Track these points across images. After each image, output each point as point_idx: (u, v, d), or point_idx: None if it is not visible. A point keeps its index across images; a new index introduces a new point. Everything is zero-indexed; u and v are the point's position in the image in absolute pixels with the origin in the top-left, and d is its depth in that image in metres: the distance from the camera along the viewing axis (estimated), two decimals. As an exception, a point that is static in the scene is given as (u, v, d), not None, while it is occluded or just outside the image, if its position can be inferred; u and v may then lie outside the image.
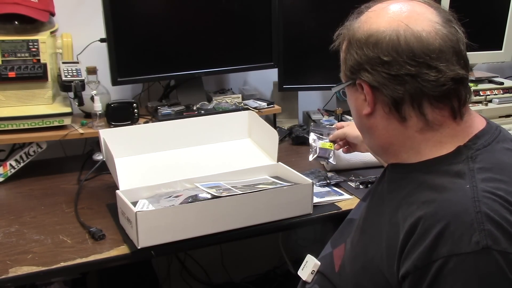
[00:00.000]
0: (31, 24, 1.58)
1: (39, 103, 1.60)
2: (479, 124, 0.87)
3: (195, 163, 1.45)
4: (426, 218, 0.76)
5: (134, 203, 1.23)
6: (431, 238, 0.74)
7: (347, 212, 1.29)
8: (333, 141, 1.53)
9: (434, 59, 0.80)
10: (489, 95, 1.99)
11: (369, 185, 1.49)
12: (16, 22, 1.56)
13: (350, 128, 1.45)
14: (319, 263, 0.99)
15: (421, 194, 0.80)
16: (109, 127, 1.65)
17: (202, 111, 1.79)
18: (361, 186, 1.48)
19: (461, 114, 0.84)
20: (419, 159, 0.86)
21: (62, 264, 1.13)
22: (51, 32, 1.61)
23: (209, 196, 1.24)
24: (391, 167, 0.93)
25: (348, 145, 1.49)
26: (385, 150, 0.91)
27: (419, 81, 0.81)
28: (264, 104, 1.87)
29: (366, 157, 1.58)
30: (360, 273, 0.87)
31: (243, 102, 1.90)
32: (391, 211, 0.85)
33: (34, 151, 1.61)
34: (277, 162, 1.45)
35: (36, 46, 1.55)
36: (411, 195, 0.82)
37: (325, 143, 1.55)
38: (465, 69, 0.83)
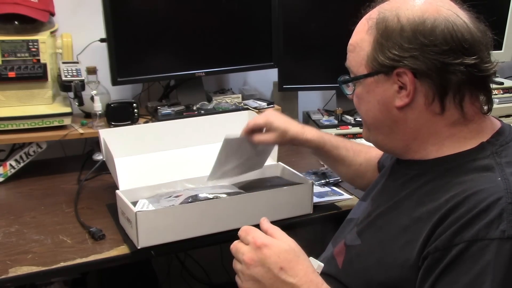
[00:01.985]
0: (31, 24, 1.58)
1: (39, 103, 1.60)
2: (496, 122, 0.90)
3: (195, 163, 1.45)
4: (458, 208, 0.76)
5: (134, 203, 1.23)
6: (459, 224, 0.74)
7: (347, 212, 1.29)
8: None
9: (483, 51, 0.82)
10: (489, 95, 1.99)
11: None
12: (16, 22, 1.56)
13: (273, 114, 1.21)
14: (322, 264, 0.98)
15: (448, 190, 0.80)
16: (109, 127, 1.65)
17: (202, 111, 1.79)
18: (361, 186, 1.48)
19: (489, 108, 0.86)
20: (439, 155, 0.86)
21: (62, 264, 1.13)
22: (51, 32, 1.61)
23: (209, 196, 1.24)
24: (405, 163, 0.92)
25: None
26: (405, 146, 0.89)
27: (472, 71, 0.81)
28: (264, 104, 1.87)
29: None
30: (375, 267, 0.87)
31: (243, 102, 1.90)
32: (411, 207, 0.84)
33: (34, 151, 1.61)
34: (277, 162, 1.45)
35: (36, 46, 1.55)
36: (436, 191, 0.82)
37: None
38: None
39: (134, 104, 1.70)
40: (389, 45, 0.83)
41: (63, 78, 1.56)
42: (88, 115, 1.71)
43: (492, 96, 0.88)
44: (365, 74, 0.88)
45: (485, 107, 0.86)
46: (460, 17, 0.82)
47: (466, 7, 0.86)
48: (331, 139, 1.23)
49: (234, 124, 1.57)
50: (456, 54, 0.80)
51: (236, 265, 0.86)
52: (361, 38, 0.88)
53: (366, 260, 0.89)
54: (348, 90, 0.95)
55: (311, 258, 0.97)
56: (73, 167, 1.66)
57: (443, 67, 0.80)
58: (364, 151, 1.25)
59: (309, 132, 1.20)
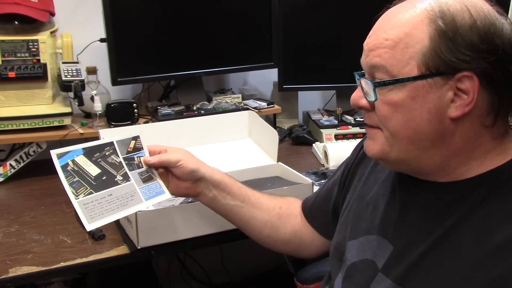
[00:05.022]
0: (31, 24, 1.58)
1: (39, 103, 1.60)
2: None
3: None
4: None
5: (134, 203, 1.23)
6: None
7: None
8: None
9: None
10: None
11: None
12: (16, 22, 1.56)
13: (180, 152, 1.06)
14: None
15: None
16: (109, 127, 1.65)
17: (202, 111, 1.79)
18: (361, 186, 1.48)
19: None
20: (480, 172, 0.74)
21: (62, 264, 1.13)
22: (51, 32, 1.61)
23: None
24: (431, 187, 0.78)
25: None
26: (442, 164, 0.76)
27: None
28: (264, 104, 1.87)
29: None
30: None
31: (243, 102, 1.90)
32: (472, 237, 0.71)
33: (34, 151, 1.61)
34: (277, 162, 1.45)
35: (36, 46, 1.55)
36: (499, 214, 0.70)
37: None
38: None
39: (134, 104, 1.70)
40: (458, 43, 0.69)
41: (63, 78, 1.56)
42: (88, 115, 1.71)
43: None
44: (417, 75, 0.71)
45: None
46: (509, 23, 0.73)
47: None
48: (238, 183, 1.09)
49: (234, 124, 1.58)
50: None
51: None
52: (409, 32, 0.71)
53: None
54: (370, 95, 0.76)
55: None
56: (73, 167, 1.66)
57: (510, 76, 0.70)
58: (279, 198, 1.12)
59: (218, 173, 1.06)
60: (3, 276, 1.08)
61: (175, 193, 1.05)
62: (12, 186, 1.57)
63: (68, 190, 0.95)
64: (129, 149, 1.03)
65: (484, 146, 0.74)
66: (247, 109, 1.79)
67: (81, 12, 1.80)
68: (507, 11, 2.21)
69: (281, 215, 1.09)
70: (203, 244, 1.25)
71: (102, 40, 1.68)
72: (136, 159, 1.03)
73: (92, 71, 1.67)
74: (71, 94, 1.60)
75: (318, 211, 1.07)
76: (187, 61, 1.81)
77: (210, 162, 1.46)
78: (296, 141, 1.89)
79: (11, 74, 1.53)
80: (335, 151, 1.63)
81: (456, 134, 0.73)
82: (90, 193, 0.96)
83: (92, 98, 1.64)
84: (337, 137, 1.84)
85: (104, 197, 0.97)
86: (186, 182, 1.02)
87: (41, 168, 1.67)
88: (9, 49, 1.53)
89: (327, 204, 1.04)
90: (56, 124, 1.58)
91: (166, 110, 1.77)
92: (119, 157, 1.01)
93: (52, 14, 1.67)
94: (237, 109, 1.80)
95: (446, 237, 0.73)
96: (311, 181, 1.31)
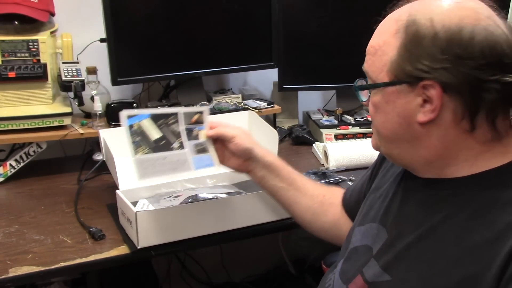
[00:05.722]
0: (31, 24, 1.58)
1: (39, 103, 1.60)
2: None
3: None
4: None
5: (134, 203, 1.23)
6: None
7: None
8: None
9: None
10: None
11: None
12: (16, 22, 1.56)
13: (238, 130, 1.13)
14: None
15: (503, 212, 0.70)
16: (109, 127, 1.65)
17: (202, 111, 1.79)
18: (361, 186, 1.48)
19: None
20: (473, 172, 0.76)
21: (62, 264, 1.13)
22: (51, 32, 1.61)
23: (209, 196, 1.25)
24: (427, 183, 0.81)
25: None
26: (429, 163, 0.79)
27: (508, 90, 0.71)
28: (264, 104, 1.87)
29: (366, 157, 1.59)
30: None
31: (243, 102, 1.90)
32: (454, 235, 0.74)
33: (34, 151, 1.61)
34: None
35: (36, 46, 1.55)
36: (482, 214, 0.72)
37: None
38: None
39: (134, 104, 1.70)
40: (419, 53, 0.73)
41: (63, 78, 1.56)
42: (88, 115, 1.71)
43: None
44: (386, 82, 0.77)
45: None
46: (500, 26, 0.72)
47: (504, 14, 0.76)
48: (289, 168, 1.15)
49: (234, 124, 1.57)
50: (493, 69, 0.70)
51: None
52: (386, 41, 0.77)
53: None
54: (363, 96, 0.85)
55: None
56: (73, 167, 1.66)
57: (478, 83, 0.70)
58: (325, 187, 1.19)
59: (270, 155, 1.13)
60: (3, 276, 1.08)
61: (228, 167, 1.14)
62: (12, 186, 1.57)
63: (130, 147, 1.06)
64: (192, 121, 1.13)
65: (472, 149, 0.75)
66: (247, 109, 1.80)
67: (81, 12, 1.80)
68: (507, 12, 2.21)
69: (324, 203, 1.14)
70: (203, 244, 1.25)
71: (102, 40, 1.68)
72: (195, 131, 1.13)
73: (92, 71, 1.67)
74: (71, 94, 1.60)
75: (354, 203, 1.09)
76: (187, 61, 1.81)
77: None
78: (296, 141, 1.89)
79: (11, 74, 1.53)
80: (335, 151, 1.63)
81: (433, 137, 0.76)
82: (148, 153, 1.07)
83: (92, 98, 1.64)
84: (337, 137, 1.84)
85: (159, 159, 1.09)
86: (239, 159, 1.12)
87: (41, 168, 1.67)
88: (9, 49, 1.53)
89: (361, 196, 1.07)
90: (56, 124, 1.58)
91: (166, 110, 1.77)
92: (180, 126, 1.11)
93: (52, 14, 1.67)
94: (237, 109, 1.80)
95: (432, 232, 0.76)
96: (311, 181, 1.31)
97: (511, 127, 0.76)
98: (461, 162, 0.76)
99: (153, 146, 1.08)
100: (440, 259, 0.74)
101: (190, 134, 1.12)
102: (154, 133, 1.09)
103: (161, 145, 1.09)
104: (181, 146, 1.11)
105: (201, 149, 1.12)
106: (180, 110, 1.12)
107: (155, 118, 1.09)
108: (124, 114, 1.06)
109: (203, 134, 1.12)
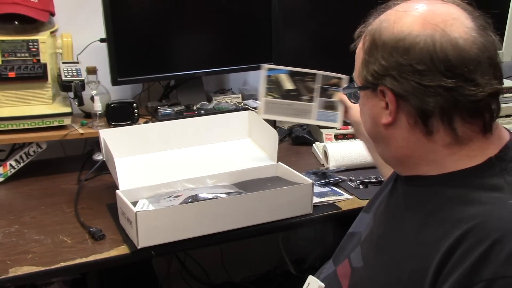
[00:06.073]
0: (31, 24, 1.58)
1: (39, 103, 1.60)
2: (505, 134, 0.81)
3: (195, 163, 1.45)
4: (467, 238, 0.69)
5: (134, 203, 1.23)
6: (474, 259, 0.67)
7: (347, 212, 1.29)
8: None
9: (472, 72, 0.72)
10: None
11: (368, 185, 1.49)
12: (16, 22, 1.56)
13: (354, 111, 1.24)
14: (323, 285, 0.92)
15: (453, 211, 0.73)
16: (109, 127, 1.65)
17: (202, 111, 1.79)
18: (361, 186, 1.48)
19: (492, 129, 0.76)
20: (442, 172, 0.78)
21: (62, 264, 1.13)
22: (51, 32, 1.61)
23: (209, 196, 1.25)
24: (406, 179, 0.85)
25: None
26: (402, 162, 0.83)
27: (453, 95, 0.72)
28: (264, 104, 1.87)
29: (366, 157, 1.58)
30: None
31: (243, 102, 1.90)
32: (414, 228, 0.77)
33: (34, 151, 1.61)
34: (277, 162, 1.45)
35: (36, 46, 1.55)
36: (438, 211, 0.75)
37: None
38: (500, 82, 0.76)
39: (134, 104, 1.70)
40: (371, 61, 0.78)
41: (63, 78, 1.56)
42: (88, 115, 1.71)
43: (495, 117, 0.77)
44: (357, 86, 0.85)
45: (486, 129, 0.76)
46: (450, 33, 0.72)
47: (478, 14, 0.77)
48: None
49: (234, 124, 1.58)
50: (434, 75, 0.72)
51: None
52: (359, 48, 0.84)
53: (372, 285, 0.83)
54: (354, 98, 0.95)
55: (310, 277, 0.92)
56: (73, 167, 1.66)
57: (420, 89, 0.73)
58: None
59: None
60: (3, 276, 1.08)
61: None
62: (12, 186, 1.57)
63: (262, 90, 1.27)
64: (329, 83, 1.29)
65: (437, 152, 0.77)
66: (247, 109, 1.79)
67: (81, 12, 1.80)
68: (507, 12, 2.20)
69: None
70: (203, 244, 1.25)
71: (102, 40, 1.68)
72: (330, 91, 1.28)
73: (92, 71, 1.67)
74: (71, 94, 1.60)
75: None
76: (187, 61, 1.81)
77: (210, 162, 1.47)
78: (296, 141, 1.89)
79: (11, 74, 1.53)
80: (335, 151, 1.63)
81: (398, 138, 0.80)
82: (277, 97, 1.28)
83: (92, 98, 1.64)
84: (337, 137, 1.84)
85: (284, 104, 1.30)
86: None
87: (41, 168, 1.67)
88: (9, 49, 1.53)
89: None
90: (56, 124, 1.58)
91: (166, 110, 1.77)
92: (316, 84, 1.29)
93: (52, 14, 1.67)
94: (237, 109, 1.80)
95: (401, 225, 0.81)
96: (311, 181, 1.31)
97: (478, 132, 0.76)
98: (431, 162, 0.79)
99: (284, 94, 1.29)
100: (398, 251, 0.79)
101: (324, 92, 1.29)
102: (288, 85, 1.29)
103: (291, 95, 1.29)
104: (311, 100, 1.29)
105: (329, 107, 1.29)
106: (319, 72, 1.29)
107: (292, 74, 1.30)
108: (265, 66, 1.29)
109: (338, 95, 1.28)
